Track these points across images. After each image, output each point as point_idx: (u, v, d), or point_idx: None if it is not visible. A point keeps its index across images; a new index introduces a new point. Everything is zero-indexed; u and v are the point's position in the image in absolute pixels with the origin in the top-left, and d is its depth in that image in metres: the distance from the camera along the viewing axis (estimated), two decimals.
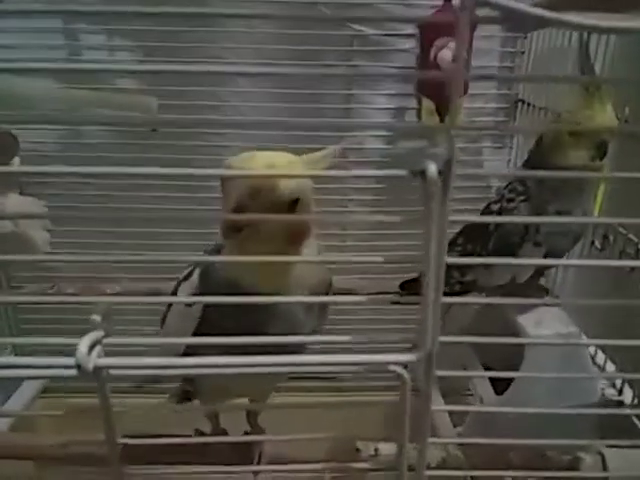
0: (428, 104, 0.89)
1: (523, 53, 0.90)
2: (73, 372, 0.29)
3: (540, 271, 0.70)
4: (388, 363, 0.29)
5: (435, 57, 0.85)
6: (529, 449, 0.51)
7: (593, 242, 0.72)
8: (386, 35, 0.88)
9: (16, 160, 0.39)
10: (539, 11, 0.24)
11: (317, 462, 0.50)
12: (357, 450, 0.51)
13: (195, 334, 0.46)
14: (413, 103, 0.91)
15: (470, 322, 0.77)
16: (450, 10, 0.86)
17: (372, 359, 0.29)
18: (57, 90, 0.64)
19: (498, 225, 0.65)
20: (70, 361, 0.28)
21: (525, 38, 0.90)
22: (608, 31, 0.22)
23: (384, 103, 0.92)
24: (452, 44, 0.84)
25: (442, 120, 0.90)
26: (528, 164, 0.68)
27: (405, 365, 0.30)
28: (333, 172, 0.38)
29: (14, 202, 0.40)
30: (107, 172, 0.28)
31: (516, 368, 0.65)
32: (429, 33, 0.86)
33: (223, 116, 0.89)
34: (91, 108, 0.62)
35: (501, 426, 0.59)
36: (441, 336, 0.29)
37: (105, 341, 0.29)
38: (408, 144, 0.94)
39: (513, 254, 0.63)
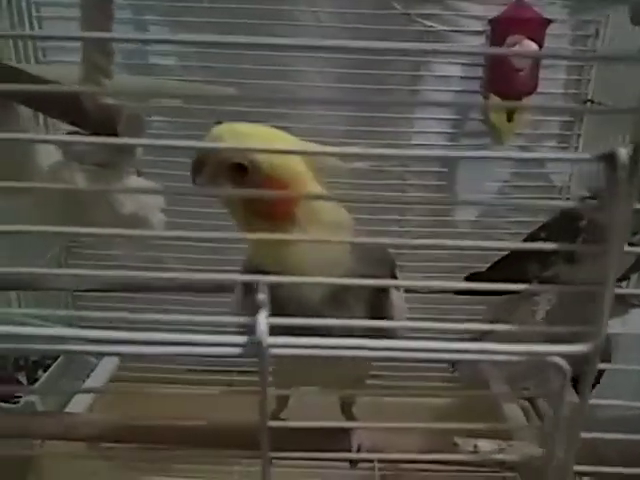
0: (496, 101, 0.88)
1: (594, 52, 0.89)
2: (236, 350, 0.29)
3: (626, 275, 0.68)
4: (555, 354, 0.29)
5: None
6: (629, 449, 0.50)
7: None
8: (455, 31, 0.88)
9: None
10: None
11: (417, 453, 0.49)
12: (455, 445, 0.51)
13: None
14: (479, 100, 0.91)
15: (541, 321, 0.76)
16: (523, 7, 0.86)
17: (537, 349, 0.29)
18: (143, 79, 0.64)
19: (590, 222, 0.64)
20: (238, 339, 0.28)
21: (597, 37, 0.88)
22: None
23: (450, 99, 0.91)
24: (524, 41, 0.84)
25: (509, 118, 0.90)
26: None
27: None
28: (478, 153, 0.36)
29: (135, 184, 0.41)
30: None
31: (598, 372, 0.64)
32: (501, 30, 0.85)
33: (291, 109, 0.88)
34: (168, 97, 0.62)
35: (591, 427, 0.58)
36: None
37: (271, 321, 0.29)
38: (472, 142, 0.94)
39: None
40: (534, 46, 0.83)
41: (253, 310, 0.47)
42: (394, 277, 0.49)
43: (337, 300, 0.42)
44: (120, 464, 0.75)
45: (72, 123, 0.39)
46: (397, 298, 0.47)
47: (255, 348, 0.27)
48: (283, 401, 0.54)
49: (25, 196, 0.42)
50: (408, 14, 0.85)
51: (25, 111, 0.47)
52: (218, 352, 0.30)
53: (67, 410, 0.68)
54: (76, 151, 0.38)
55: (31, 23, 0.86)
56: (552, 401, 0.32)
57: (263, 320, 0.27)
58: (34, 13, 0.86)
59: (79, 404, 0.69)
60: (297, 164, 0.42)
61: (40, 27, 0.87)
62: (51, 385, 0.69)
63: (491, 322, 0.87)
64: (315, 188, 0.43)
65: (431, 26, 0.87)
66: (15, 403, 0.70)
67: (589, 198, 0.59)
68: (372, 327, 0.45)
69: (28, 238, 0.76)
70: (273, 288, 0.40)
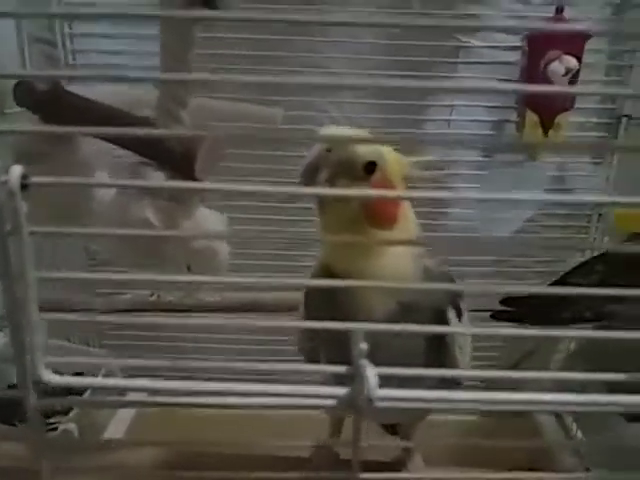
0: (532, 117, 0.87)
1: (631, 67, 0.88)
2: (333, 403, 0.28)
3: None
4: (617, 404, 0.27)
5: (544, 69, 0.84)
6: None
7: None
8: (492, 47, 0.87)
9: None
10: None
11: None
12: None
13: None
14: (513, 116, 0.90)
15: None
16: (561, 22, 0.85)
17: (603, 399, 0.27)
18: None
19: None
20: (338, 391, 0.27)
21: (634, 53, 0.87)
22: None
23: (484, 115, 0.90)
24: (564, 57, 0.82)
25: (545, 134, 0.89)
26: None
27: None
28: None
29: (205, 217, 0.40)
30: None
31: None
32: (539, 45, 0.84)
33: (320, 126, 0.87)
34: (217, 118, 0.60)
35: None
36: None
37: (378, 371, 0.27)
38: (506, 157, 0.92)
39: None
40: (574, 61, 0.82)
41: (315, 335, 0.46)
42: (457, 308, 0.47)
43: (397, 319, 0.41)
44: None
45: (144, 155, 0.38)
46: (456, 325, 0.46)
47: (361, 403, 0.26)
48: (338, 428, 0.53)
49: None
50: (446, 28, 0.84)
51: (83, 140, 0.46)
52: (315, 404, 0.28)
53: (106, 436, 0.67)
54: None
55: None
56: None
57: (372, 373, 0.26)
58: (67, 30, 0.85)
59: (116, 430, 0.68)
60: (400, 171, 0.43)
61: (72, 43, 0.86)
62: (87, 412, 0.68)
63: (531, 351, 0.86)
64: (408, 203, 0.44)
65: (467, 42, 0.86)
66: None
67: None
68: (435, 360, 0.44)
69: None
70: (337, 292, 0.41)
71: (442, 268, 0.45)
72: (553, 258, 0.94)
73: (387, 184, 0.41)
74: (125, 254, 0.37)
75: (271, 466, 0.47)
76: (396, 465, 0.51)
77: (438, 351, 0.45)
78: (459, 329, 0.48)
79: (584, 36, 0.83)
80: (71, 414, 0.66)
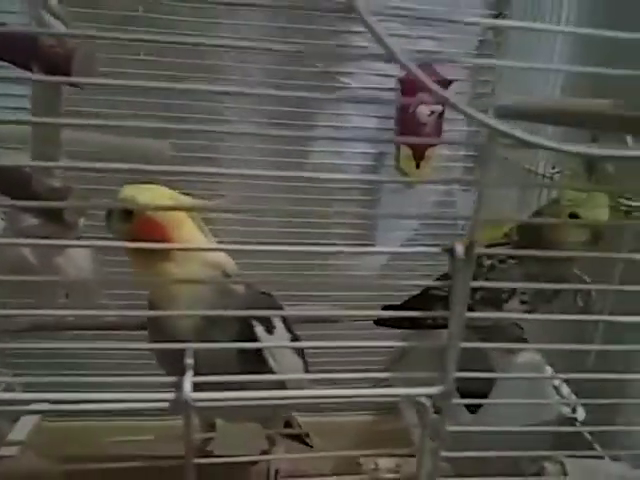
0: (406, 151, 0.99)
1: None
2: (165, 405, 0.36)
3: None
4: (418, 395, 0.37)
5: (414, 110, 0.96)
6: (504, 459, 0.60)
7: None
8: (369, 88, 0.98)
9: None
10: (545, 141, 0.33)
11: (326, 476, 0.57)
12: (358, 464, 0.59)
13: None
14: (392, 149, 1.01)
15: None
16: (426, 68, 0.97)
17: (406, 392, 0.37)
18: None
19: (487, 278, 0.70)
20: (165, 396, 0.35)
21: (492, 96, 1.02)
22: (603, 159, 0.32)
23: (365, 148, 1.01)
24: (429, 100, 0.95)
25: (418, 165, 1.01)
26: (525, 234, 0.70)
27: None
28: None
29: (75, 251, 0.45)
30: None
31: (486, 389, 0.75)
32: (409, 89, 0.96)
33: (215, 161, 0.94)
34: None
35: (477, 440, 0.68)
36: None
37: (194, 379, 0.36)
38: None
39: (499, 306, 0.70)
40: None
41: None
42: (267, 321, 0.53)
43: (205, 333, 0.48)
44: None
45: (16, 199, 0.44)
46: (265, 338, 0.52)
47: (181, 404, 0.34)
48: (209, 428, 0.60)
49: None
50: (328, 72, 0.95)
51: None
52: (149, 407, 0.36)
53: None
54: (22, 227, 0.43)
55: None
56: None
57: (188, 381, 0.34)
58: None
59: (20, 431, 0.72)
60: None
61: None
62: None
63: (403, 352, 0.97)
64: (192, 230, 0.51)
65: (347, 83, 0.97)
66: None
67: None
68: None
69: None
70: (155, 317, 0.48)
71: (255, 287, 0.53)
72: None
73: (148, 225, 0.48)
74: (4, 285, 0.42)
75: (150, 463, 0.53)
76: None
77: (254, 357, 0.51)
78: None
79: (446, 81, 0.96)
80: None
